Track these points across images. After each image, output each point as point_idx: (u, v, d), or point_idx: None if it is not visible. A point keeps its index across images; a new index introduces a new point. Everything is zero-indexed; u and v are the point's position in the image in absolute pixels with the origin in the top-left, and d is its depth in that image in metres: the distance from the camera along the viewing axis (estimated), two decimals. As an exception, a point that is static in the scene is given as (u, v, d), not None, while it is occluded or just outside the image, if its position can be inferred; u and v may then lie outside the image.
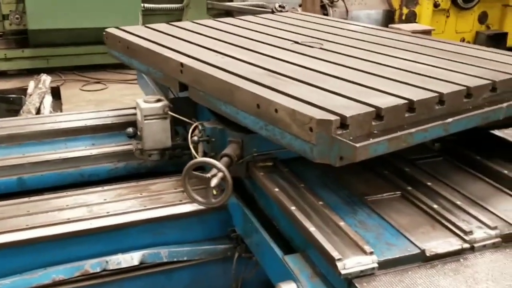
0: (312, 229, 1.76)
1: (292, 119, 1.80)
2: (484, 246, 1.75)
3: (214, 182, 1.92)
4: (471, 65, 2.49)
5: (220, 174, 1.96)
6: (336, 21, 4.05)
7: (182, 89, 2.53)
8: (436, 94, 2.00)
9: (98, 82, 7.49)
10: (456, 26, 7.99)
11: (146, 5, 7.83)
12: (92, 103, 6.56)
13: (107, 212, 2.32)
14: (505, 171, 2.23)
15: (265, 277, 2.25)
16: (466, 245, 1.74)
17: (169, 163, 2.98)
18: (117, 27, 3.38)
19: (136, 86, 7.53)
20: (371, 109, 1.81)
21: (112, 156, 2.99)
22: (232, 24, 3.56)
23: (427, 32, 6.80)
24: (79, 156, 2.93)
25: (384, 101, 1.89)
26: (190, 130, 2.33)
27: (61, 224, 2.23)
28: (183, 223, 2.40)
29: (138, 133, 2.74)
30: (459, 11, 7.89)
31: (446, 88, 2.06)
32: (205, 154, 2.40)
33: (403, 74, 2.28)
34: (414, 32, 6.81)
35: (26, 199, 2.45)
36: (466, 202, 1.99)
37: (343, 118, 1.74)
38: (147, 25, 3.57)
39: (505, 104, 2.15)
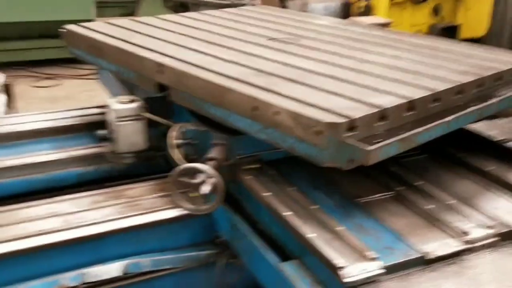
0: (310, 235, 1.71)
1: (296, 122, 1.73)
2: (482, 246, 1.75)
3: (207, 188, 1.83)
4: (451, 60, 2.49)
5: (211, 180, 1.87)
6: (303, 15, 4.00)
7: (160, 90, 2.41)
8: (432, 92, 1.98)
9: (51, 78, 7.16)
10: (411, 18, 8.10)
11: (99, -3, 7.54)
12: (46, 101, 6.26)
13: (84, 222, 2.18)
14: (488, 168, 2.25)
15: (250, 282, 2.19)
16: (465, 246, 1.73)
17: (141, 166, 2.86)
18: (76, 24, 3.20)
19: (92, 82, 7.27)
20: (376, 109, 1.77)
21: (81, 160, 2.82)
22: (200, 20, 3.44)
23: (386, 25, 6.90)
24: (46, 161, 2.75)
25: (385, 101, 1.85)
26: (172, 133, 2.21)
27: (35, 236, 2.08)
28: (165, 229, 2.29)
29: (111, 135, 2.60)
30: (414, 3, 8.01)
31: (440, 85, 2.04)
32: (185, 157, 2.30)
33: (391, 71, 2.25)
34: (374, 24, 6.93)
35: (-8, 210, 2.28)
36: (457, 202, 1.98)
37: (351, 120, 1.68)
38: (108, 21, 3.41)
39: (495, 100, 2.16)
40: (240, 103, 1.98)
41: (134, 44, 2.66)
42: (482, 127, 3.24)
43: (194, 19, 3.46)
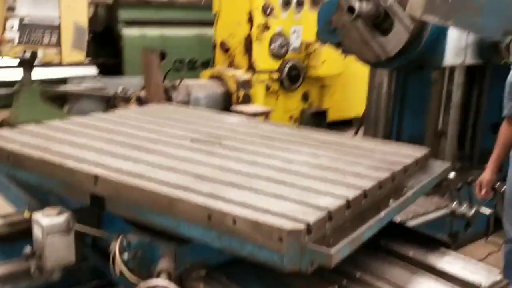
0: None
1: (255, 230, 1.81)
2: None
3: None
4: (362, 156, 2.75)
5: (175, 296, 1.85)
6: (205, 112, 4.17)
7: (94, 201, 2.35)
8: (361, 191, 2.19)
9: None
10: (285, 105, 8.74)
11: (-32, 91, 7.06)
12: None
13: None
14: (409, 254, 2.50)
15: None
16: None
17: (65, 277, 2.69)
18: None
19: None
20: (325, 211, 1.92)
21: (-5, 281, 2.58)
22: (112, 121, 3.42)
23: (267, 113, 7.41)
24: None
25: (328, 202, 2.01)
26: (117, 246, 2.16)
27: None
28: None
29: (37, 251, 2.43)
30: (286, 92, 8.67)
31: (365, 183, 2.27)
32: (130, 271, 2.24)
33: (316, 170, 2.44)
34: (256, 112, 7.42)
35: None
36: (397, 289, 2.18)
37: (308, 224, 1.81)
38: (17, 128, 3.24)
39: (411, 192, 2.45)
40: (191, 212, 2.01)
41: (56, 153, 2.57)
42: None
43: (106, 120, 3.43)
